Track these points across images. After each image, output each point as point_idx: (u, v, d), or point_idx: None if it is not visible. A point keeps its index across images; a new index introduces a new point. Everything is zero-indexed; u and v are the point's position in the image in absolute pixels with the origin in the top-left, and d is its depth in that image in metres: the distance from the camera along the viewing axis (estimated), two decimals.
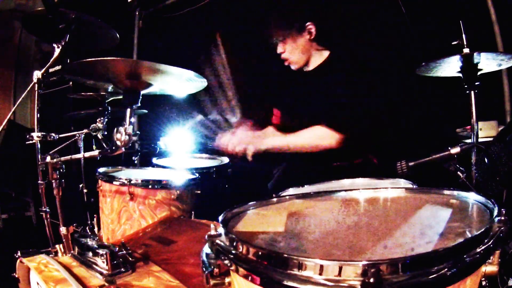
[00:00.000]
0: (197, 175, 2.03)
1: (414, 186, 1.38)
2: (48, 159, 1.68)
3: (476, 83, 1.86)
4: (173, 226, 1.70)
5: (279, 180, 2.23)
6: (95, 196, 2.17)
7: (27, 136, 1.76)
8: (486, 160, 1.39)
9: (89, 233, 2.18)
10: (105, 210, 1.90)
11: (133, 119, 1.39)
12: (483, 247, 0.63)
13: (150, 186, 1.82)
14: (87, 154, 1.59)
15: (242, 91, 2.23)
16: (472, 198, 0.92)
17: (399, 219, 0.87)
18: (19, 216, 4.25)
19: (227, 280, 0.74)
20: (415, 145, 2.42)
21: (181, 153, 2.93)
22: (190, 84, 1.49)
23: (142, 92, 1.43)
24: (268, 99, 2.40)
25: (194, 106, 2.50)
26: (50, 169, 1.69)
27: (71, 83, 3.73)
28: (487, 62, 1.84)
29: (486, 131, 2.17)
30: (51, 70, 1.79)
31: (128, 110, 1.38)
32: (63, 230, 1.74)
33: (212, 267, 0.74)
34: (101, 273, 1.15)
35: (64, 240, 1.75)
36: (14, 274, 1.36)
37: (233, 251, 0.70)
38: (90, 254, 1.22)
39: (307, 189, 1.53)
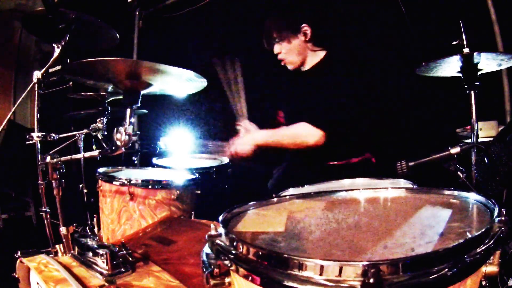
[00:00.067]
0: (197, 175, 2.03)
1: (414, 186, 1.38)
2: (48, 159, 1.68)
3: (476, 83, 1.86)
4: (173, 226, 1.69)
5: (279, 180, 2.23)
6: (95, 196, 2.17)
7: (27, 136, 1.76)
8: (486, 160, 1.39)
9: (89, 233, 2.18)
10: (105, 210, 1.90)
11: (133, 119, 1.39)
12: (483, 247, 0.63)
13: (150, 186, 1.82)
14: (87, 154, 1.59)
15: (246, 94, 2.23)
16: (472, 198, 0.92)
17: (399, 219, 0.87)
18: (19, 216, 4.24)
19: (227, 280, 0.74)
20: (415, 145, 2.42)
21: (181, 153, 2.93)
22: (190, 84, 1.49)
23: (142, 92, 1.43)
24: (269, 99, 2.40)
25: (194, 107, 2.50)
26: (50, 169, 1.69)
27: (71, 83, 3.72)
28: (487, 62, 1.84)
29: (486, 131, 2.17)
30: (51, 70, 1.79)
31: (128, 110, 1.38)
32: (63, 230, 1.74)
33: (212, 267, 0.74)
34: (101, 273, 1.15)
35: (64, 240, 1.75)
36: (14, 274, 1.37)
37: (233, 251, 0.70)
38: (90, 254, 1.22)
39: (307, 189, 1.54)
